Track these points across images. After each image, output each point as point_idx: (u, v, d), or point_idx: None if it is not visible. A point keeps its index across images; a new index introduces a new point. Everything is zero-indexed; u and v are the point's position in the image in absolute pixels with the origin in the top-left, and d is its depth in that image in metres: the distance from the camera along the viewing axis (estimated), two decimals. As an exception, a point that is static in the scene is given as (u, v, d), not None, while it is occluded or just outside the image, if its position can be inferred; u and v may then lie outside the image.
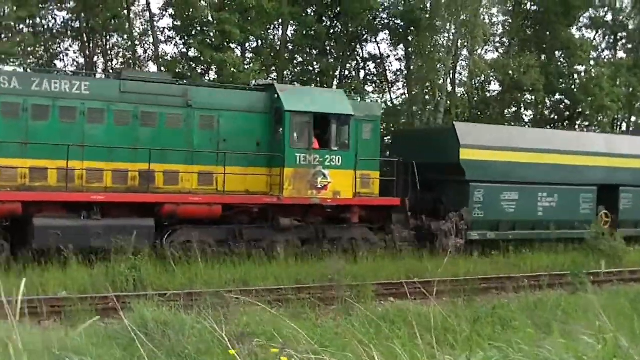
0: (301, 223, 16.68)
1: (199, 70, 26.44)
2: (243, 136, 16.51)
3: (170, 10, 27.22)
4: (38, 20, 27.53)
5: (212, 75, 26.23)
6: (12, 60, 23.75)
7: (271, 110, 16.75)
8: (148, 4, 28.79)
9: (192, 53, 26.53)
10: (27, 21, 26.54)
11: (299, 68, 30.26)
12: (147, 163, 15.42)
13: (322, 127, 16.88)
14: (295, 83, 27.44)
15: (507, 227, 19.63)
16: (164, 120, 15.96)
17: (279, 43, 29.00)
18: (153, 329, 7.73)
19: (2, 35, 25.78)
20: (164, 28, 28.66)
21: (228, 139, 16.40)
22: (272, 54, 28.87)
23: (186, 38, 26.74)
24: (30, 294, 10.90)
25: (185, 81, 19.41)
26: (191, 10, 25.36)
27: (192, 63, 26.66)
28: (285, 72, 28.94)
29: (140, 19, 30.58)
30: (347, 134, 17.08)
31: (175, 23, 27.25)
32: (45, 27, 28.36)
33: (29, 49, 26.34)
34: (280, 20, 27.54)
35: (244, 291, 11.93)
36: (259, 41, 28.35)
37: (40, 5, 26.15)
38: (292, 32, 29.32)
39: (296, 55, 30.17)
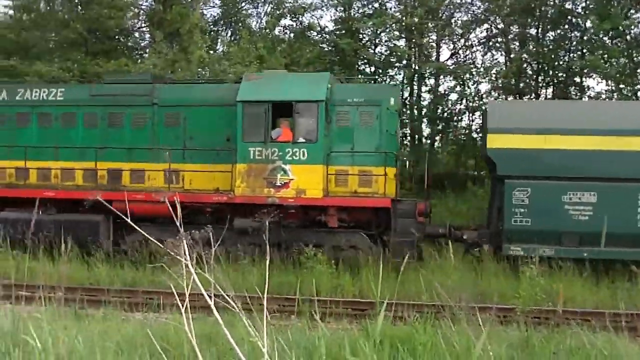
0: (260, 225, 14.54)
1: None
2: (212, 132, 15.14)
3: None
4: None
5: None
6: None
7: (238, 102, 15.30)
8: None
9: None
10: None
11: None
12: (114, 162, 15.51)
13: (290, 116, 14.56)
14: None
15: (576, 240, 13.81)
16: (129, 120, 15.76)
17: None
18: None
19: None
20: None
21: (195, 136, 15.30)
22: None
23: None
24: None
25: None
26: None
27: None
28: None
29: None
30: (315, 123, 14.36)
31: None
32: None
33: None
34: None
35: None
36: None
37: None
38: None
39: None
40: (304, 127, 14.48)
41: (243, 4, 30.87)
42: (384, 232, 14.77)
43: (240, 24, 29.86)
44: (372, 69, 27.20)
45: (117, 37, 29.18)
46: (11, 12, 28.61)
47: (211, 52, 26.85)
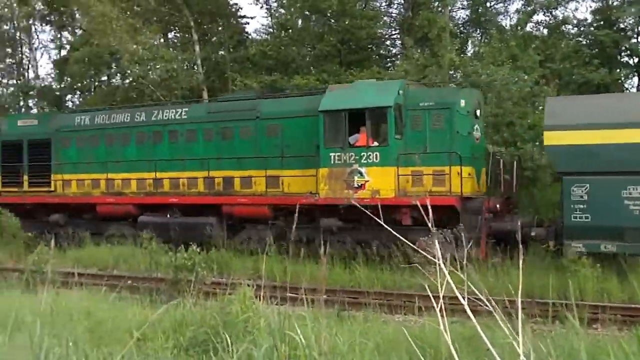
0: (348, 224, 16.16)
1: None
2: (304, 140, 17.00)
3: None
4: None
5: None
6: None
7: (324, 111, 17.00)
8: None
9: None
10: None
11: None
12: (228, 170, 18.02)
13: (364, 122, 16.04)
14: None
15: (636, 236, 13.52)
16: (238, 133, 18.10)
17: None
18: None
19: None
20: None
21: (290, 144, 17.22)
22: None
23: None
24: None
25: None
26: None
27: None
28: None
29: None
30: (386, 128, 15.70)
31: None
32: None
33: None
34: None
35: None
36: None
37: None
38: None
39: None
40: (376, 131, 15.98)
41: (492, 3, 31.22)
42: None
43: (490, 24, 30.09)
44: (636, 60, 26.30)
45: (369, 46, 30.86)
46: (271, 30, 33.05)
47: (462, 54, 26.71)
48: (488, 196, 15.64)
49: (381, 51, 32.32)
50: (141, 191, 19.29)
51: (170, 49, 31.82)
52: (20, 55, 39.68)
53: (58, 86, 38.03)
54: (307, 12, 30.33)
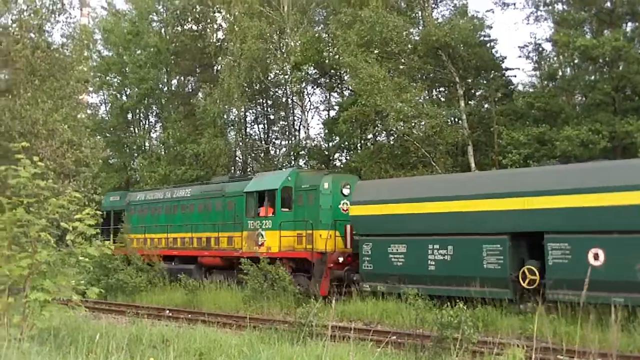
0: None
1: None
2: (242, 211, 24.86)
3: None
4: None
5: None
6: None
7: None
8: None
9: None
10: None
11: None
12: (209, 232, 26.36)
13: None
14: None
15: (395, 280, 19.13)
16: (214, 206, 26.43)
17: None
18: None
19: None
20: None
21: (239, 214, 24.84)
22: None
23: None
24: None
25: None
26: None
27: None
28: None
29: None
30: (274, 203, 23.13)
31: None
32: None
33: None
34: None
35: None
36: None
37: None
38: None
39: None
40: (271, 206, 23.30)
41: None
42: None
43: None
44: None
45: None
46: (535, 80, 32.61)
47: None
48: (333, 252, 21.99)
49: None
50: (162, 247, 28.45)
51: (435, 105, 31.98)
52: (292, 117, 41.81)
53: (326, 145, 39.73)
54: (576, 61, 29.84)
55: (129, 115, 49.79)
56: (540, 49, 31.86)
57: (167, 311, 20.80)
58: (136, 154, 48.61)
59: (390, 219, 19.83)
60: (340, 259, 21.82)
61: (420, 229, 19.00)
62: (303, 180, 23.45)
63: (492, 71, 32.62)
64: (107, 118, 49.95)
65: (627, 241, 15.17)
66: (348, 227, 22.11)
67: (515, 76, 52.06)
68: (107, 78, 48.47)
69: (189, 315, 18.88)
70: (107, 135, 46.85)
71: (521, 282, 16.92)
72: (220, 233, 25.75)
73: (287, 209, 23.23)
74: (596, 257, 15.47)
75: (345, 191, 23.17)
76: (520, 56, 44.43)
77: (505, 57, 51.37)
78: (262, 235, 23.45)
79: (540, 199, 16.63)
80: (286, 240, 22.83)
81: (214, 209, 26.62)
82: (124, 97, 48.70)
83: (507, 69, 33.21)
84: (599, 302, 14.41)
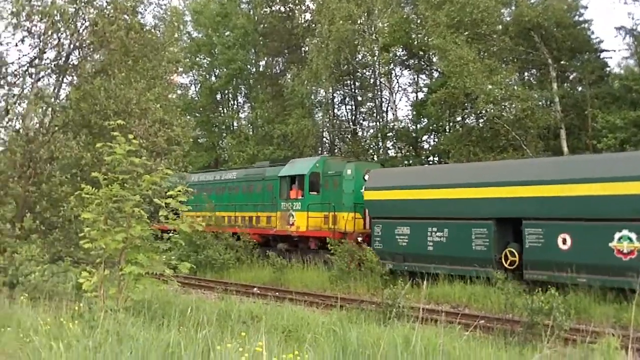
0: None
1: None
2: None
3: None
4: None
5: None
6: None
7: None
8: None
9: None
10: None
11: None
12: (252, 212, 27.92)
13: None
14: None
15: (400, 259, 20.99)
16: (255, 188, 28.12)
17: None
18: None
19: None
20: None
21: (276, 196, 26.82)
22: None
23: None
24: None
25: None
26: None
27: None
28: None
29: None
30: (302, 187, 24.80)
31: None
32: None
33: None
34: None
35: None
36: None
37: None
38: None
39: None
40: (300, 189, 25.00)
41: None
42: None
43: None
44: None
45: None
46: (632, 62, 30.21)
47: None
48: (353, 231, 23.37)
49: None
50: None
51: (527, 87, 31.46)
52: (380, 99, 40.50)
53: (414, 127, 39.08)
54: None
55: (218, 96, 50.48)
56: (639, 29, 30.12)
57: (255, 288, 21.20)
58: (225, 134, 49.19)
59: (396, 203, 21.52)
60: (360, 239, 23.16)
61: (421, 213, 20.86)
62: (330, 167, 25.26)
63: (587, 52, 31.51)
64: (196, 98, 50.81)
65: (591, 228, 16.71)
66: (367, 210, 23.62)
67: (611, 58, 49.28)
68: (197, 59, 49.24)
69: (277, 293, 19.21)
70: (197, 115, 47.43)
71: (504, 262, 18.55)
72: (259, 212, 27.58)
73: (315, 192, 24.95)
74: (564, 241, 17.20)
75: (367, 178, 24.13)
76: (617, 36, 44.44)
77: (602, 40, 45.50)
78: (292, 215, 24.97)
79: (520, 188, 18.35)
80: (313, 220, 24.80)
81: (255, 191, 28.34)
82: (213, 78, 49.59)
83: (602, 51, 31.94)
84: (567, 282, 16.45)
